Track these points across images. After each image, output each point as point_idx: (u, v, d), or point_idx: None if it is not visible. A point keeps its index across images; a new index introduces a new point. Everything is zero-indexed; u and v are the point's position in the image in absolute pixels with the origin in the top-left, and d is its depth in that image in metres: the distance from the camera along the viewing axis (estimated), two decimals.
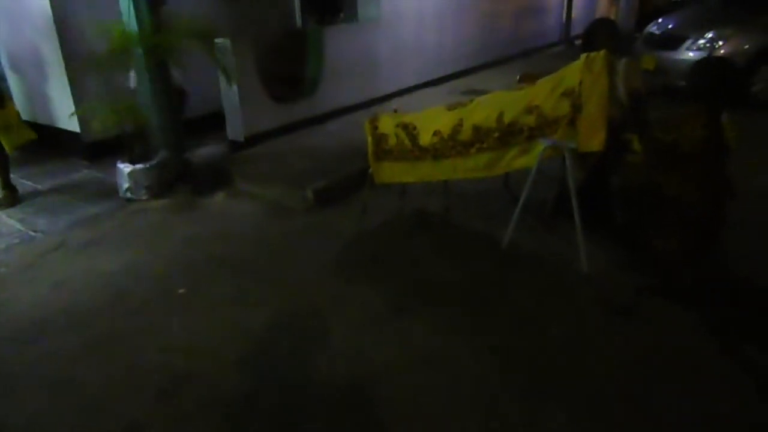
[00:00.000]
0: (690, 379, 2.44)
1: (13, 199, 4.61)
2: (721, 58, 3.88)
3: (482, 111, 3.45)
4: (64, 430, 2.30)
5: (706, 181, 2.71)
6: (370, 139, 3.91)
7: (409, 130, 3.72)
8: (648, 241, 3.08)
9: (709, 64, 3.19)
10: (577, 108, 3.04)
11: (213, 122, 5.86)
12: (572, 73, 3.08)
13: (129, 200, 4.59)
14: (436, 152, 3.62)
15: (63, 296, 3.28)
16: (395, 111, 4.10)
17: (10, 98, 5.34)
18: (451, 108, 3.66)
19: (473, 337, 2.78)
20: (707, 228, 2.78)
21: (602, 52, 2.96)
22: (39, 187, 4.98)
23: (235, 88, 5.25)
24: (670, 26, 7.46)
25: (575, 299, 3.05)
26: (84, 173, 5.30)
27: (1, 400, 2.48)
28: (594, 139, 2.99)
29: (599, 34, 3.59)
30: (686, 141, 2.65)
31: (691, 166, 2.69)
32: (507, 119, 3.29)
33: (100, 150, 5.33)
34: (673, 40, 6.94)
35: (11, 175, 4.70)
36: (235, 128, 5.64)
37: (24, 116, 5.29)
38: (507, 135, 3.31)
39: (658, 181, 2.86)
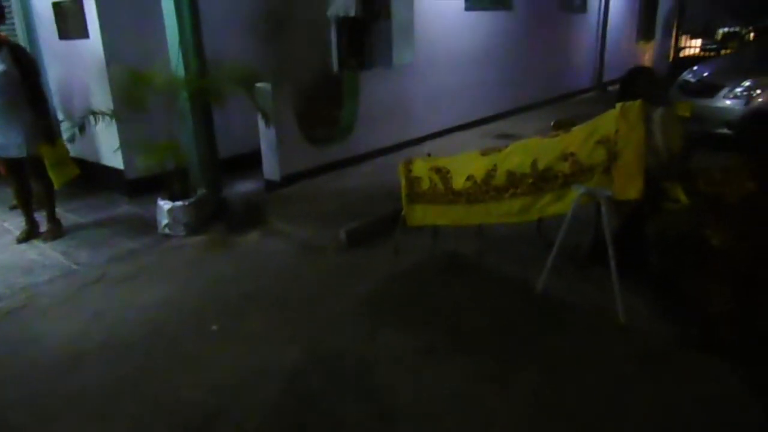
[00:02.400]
0: None
1: (58, 232, 4.79)
2: None
3: (516, 157, 3.47)
4: None
5: (756, 234, 2.65)
6: (403, 181, 3.97)
7: (443, 173, 3.76)
8: (688, 293, 3.00)
9: (758, 115, 3.17)
10: (613, 156, 3.04)
11: (250, 161, 6.02)
12: (608, 121, 3.10)
13: (167, 236, 4.72)
14: (470, 196, 3.64)
15: (101, 329, 3.36)
16: (429, 155, 4.16)
17: (61, 136, 5.60)
18: (484, 153, 3.70)
19: (504, 383, 2.73)
20: (758, 282, 2.69)
21: (638, 102, 2.98)
22: (82, 220, 5.16)
23: (272, 129, 5.40)
24: (705, 74, 7.43)
25: (611, 350, 2.98)
26: (125, 209, 5.48)
27: None
28: (631, 188, 2.97)
29: (638, 82, 3.60)
30: (732, 192, 2.62)
31: (738, 218, 2.65)
32: (541, 166, 3.31)
33: (141, 187, 5.52)
34: (709, 88, 6.90)
35: (56, 209, 4.89)
36: (271, 168, 5.78)
37: (71, 153, 5.54)
38: (541, 181, 3.32)
39: (705, 234, 2.81)
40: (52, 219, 4.81)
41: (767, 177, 2.66)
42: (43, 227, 4.82)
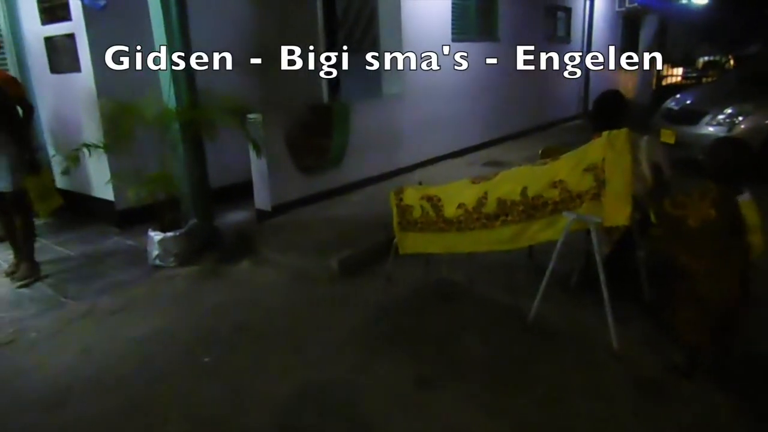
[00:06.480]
0: None
1: (30, 272, 4.48)
2: (737, 140, 3.96)
3: (506, 184, 3.51)
4: None
5: (716, 259, 2.67)
6: (395, 210, 3.99)
7: (434, 202, 3.79)
8: (670, 317, 3.00)
9: (723, 145, 3.23)
10: (601, 183, 3.08)
11: (242, 191, 6.03)
12: (595, 149, 3.15)
13: (157, 267, 4.68)
14: (461, 224, 3.66)
15: (90, 363, 3.31)
16: (420, 183, 4.19)
17: (48, 166, 5.60)
18: (475, 181, 3.73)
19: (499, 413, 2.71)
20: (721, 306, 2.70)
21: (624, 130, 3.03)
22: (71, 253, 5.12)
23: (263, 159, 5.44)
24: (688, 101, 7.60)
25: (604, 376, 2.97)
26: (115, 240, 5.44)
27: None
28: (619, 214, 3.01)
29: (608, 107, 3.67)
30: (693, 217, 2.67)
31: (698, 241, 2.69)
32: (531, 193, 3.35)
33: (131, 218, 5.50)
34: (692, 115, 7.05)
35: (44, 242, 4.80)
36: (262, 197, 5.79)
37: (60, 185, 5.53)
38: (531, 208, 3.36)
39: (671, 254, 2.86)
40: (28, 258, 4.55)
41: (726, 206, 2.69)
42: None
